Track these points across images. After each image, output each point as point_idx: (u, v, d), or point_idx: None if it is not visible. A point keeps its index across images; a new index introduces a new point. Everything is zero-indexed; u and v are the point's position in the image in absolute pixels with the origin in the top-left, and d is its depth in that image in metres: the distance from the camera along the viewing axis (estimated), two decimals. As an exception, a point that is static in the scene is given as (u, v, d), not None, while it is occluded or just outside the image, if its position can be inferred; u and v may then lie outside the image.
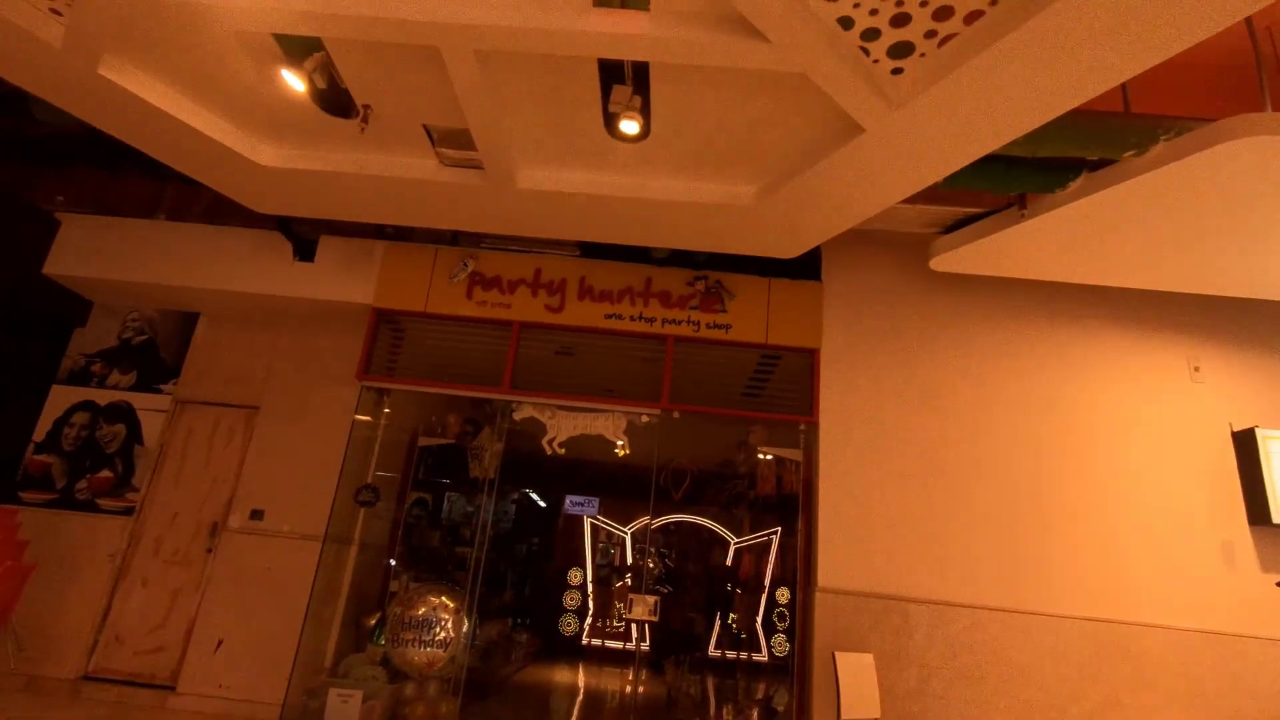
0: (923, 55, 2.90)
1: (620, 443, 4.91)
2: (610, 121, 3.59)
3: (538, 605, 11.17)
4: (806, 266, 5.28)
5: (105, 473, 5.30)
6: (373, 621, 4.98)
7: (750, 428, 5.38)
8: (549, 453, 4.84)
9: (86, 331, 5.74)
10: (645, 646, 6.77)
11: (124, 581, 5.09)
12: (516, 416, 5.00)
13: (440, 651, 4.45)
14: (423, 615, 4.54)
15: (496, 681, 6.78)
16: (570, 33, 2.95)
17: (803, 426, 5.09)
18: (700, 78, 3.25)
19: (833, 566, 4.64)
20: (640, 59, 3.11)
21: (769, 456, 5.60)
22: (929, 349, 5.12)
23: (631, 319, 5.07)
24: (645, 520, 5.76)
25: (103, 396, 5.53)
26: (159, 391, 5.54)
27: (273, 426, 5.41)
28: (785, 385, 5.18)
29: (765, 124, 3.53)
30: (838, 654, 4.10)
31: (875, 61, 2.96)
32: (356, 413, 5.15)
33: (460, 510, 6.59)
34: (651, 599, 4.42)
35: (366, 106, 3.78)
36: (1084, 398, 5.03)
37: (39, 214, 5.33)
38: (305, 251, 5.30)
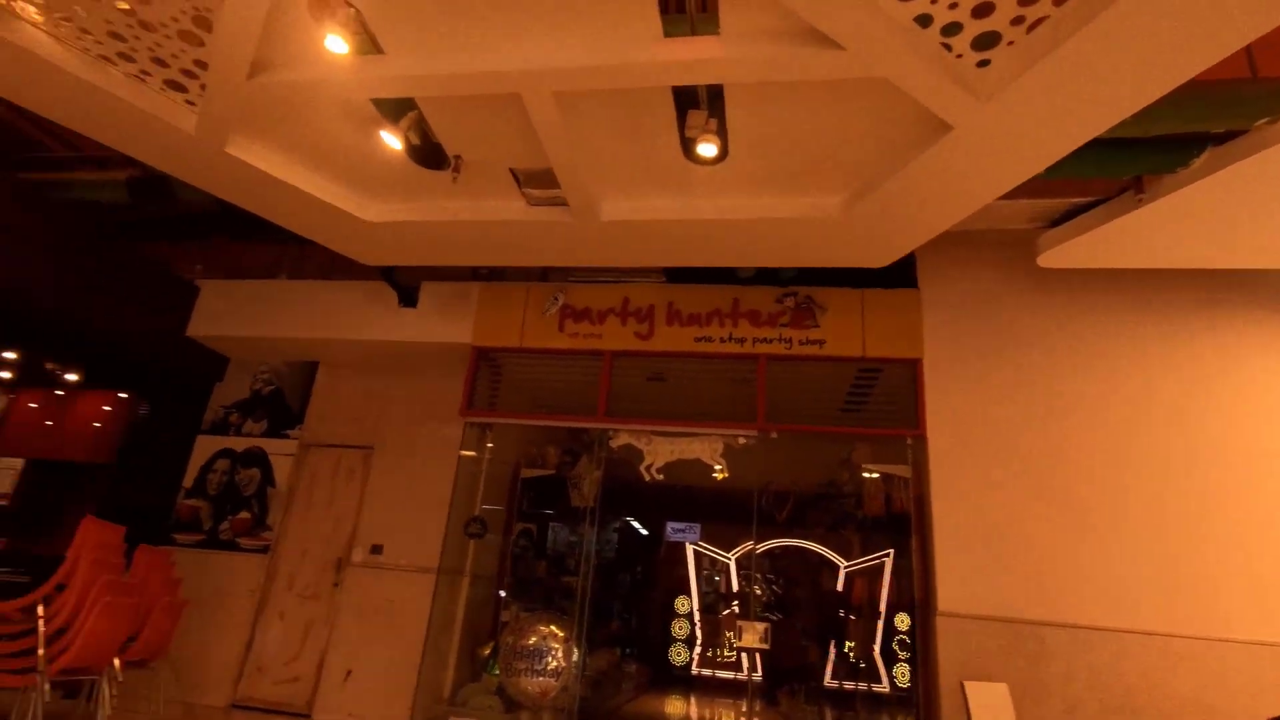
0: (1010, 44, 2.76)
1: (718, 466, 4.85)
2: (688, 146, 3.63)
3: (646, 634, 11.11)
4: (900, 274, 5.08)
5: (244, 514, 5.77)
6: (487, 651, 5.10)
7: (853, 445, 5.19)
8: (647, 479, 4.85)
9: (224, 385, 6.32)
10: (757, 676, 6.57)
11: (263, 615, 5.49)
12: (613, 444, 5.05)
13: (552, 681, 4.50)
14: (534, 645, 4.61)
15: (608, 712, 6.77)
16: (643, 65, 3.01)
17: (909, 441, 4.85)
18: (775, 93, 3.23)
19: (954, 589, 4.36)
20: (713, 82, 3.14)
21: (875, 474, 5.37)
22: (1043, 351, 4.78)
23: (721, 340, 5.04)
24: (749, 545, 5.64)
25: (239, 444, 6.04)
26: (287, 437, 6.00)
27: (387, 464, 5.72)
28: (887, 399, 4.97)
29: (846, 132, 3.46)
30: (967, 684, 3.82)
31: (959, 56, 2.84)
32: (461, 448, 5.36)
33: (564, 540, 6.69)
34: (761, 626, 4.30)
35: (457, 157, 4.00)
36: (1233, 394, 4.52)
37: (183, 283, 5.95)
38: (409, 298, 5.62)
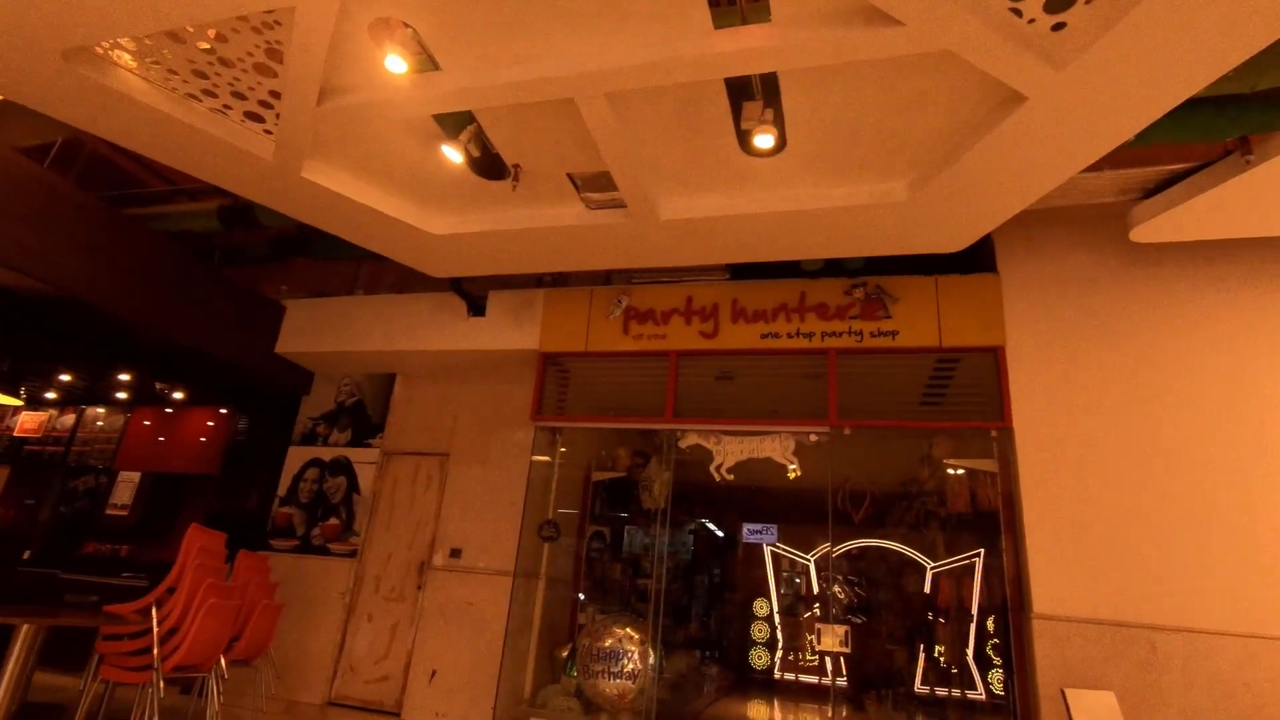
0: (1088, 2, 2.56)
1: (791, 465, 4.73)
2: (744, 139, 3.56)
3: (725, 637, 10.99)
4: (977, 258, 4.83)
5: (333, 520, 6.05)
6: (564, 653, 5.15)
7: (932, 439, 4.96)
8: (718, 479, 4.79)
9: (311, 398, 6.66)
10: (841, 681, 6.36)
11: (353, 617, 5.74)
12: (682, 445, 5.01)
13: (629, 683, 4.49)
14: (609, 647, 4.62)
15: (688, 715, 6.72)
16: (694, 59, 2.97)
17: (994, 434, 4.59)
18: (832, 77, 3.13)
19: (1050, 590, 4.09)
20: (767, 71, 3.06)
21: (959, 470, 5.11)
22: (1137, 333, 4.43)
23: (789, 336, 4.92)
24: (826, 546, 5.48)
25: (326, 453, 6.35)
26: (369, 445, 6.26)
27: (462, 470, 5.88)
28: (968, 390, 4.72)
29: (910, 112, 3.31)
30: (1068, 691, 3.57)
31: (1030, 21, 2.67)
32: (533, 453, 5.45)
33: (638, 542, 6.70)
34: (841, 629, 4.16)
35: (516, 166, 4.07)
36: (1369, 372, 4.06)
37: (270, 303, 6.31)
38: (477, 307, 5.77)
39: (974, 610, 6.00)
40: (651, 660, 4.57)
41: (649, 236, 4.41)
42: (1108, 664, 3.84)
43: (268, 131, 3.90)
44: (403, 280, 6.34)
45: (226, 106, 3.76)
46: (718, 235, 4.33)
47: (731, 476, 4.79)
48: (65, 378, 7.33)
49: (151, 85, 3.63)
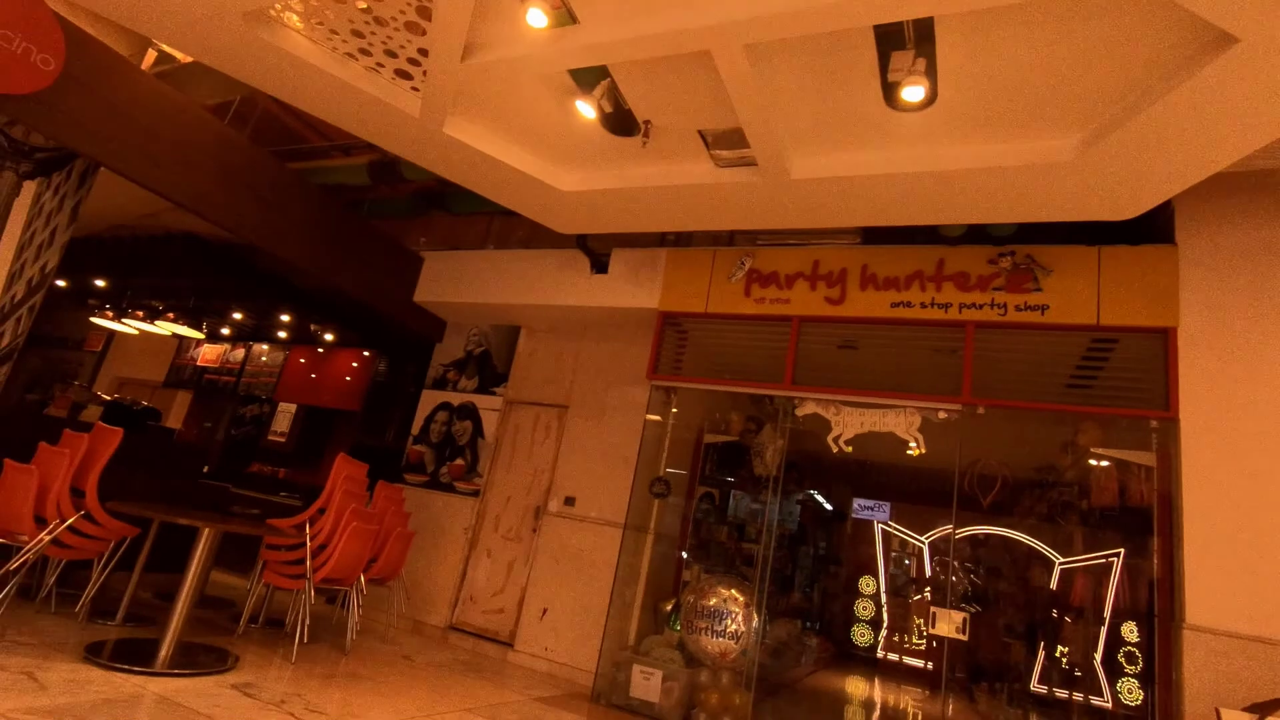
0: (1336, -80, 2.15)
1: (914, 442, 4.51)
2: (890, 92, 3.33)
3: (827, 611, 10.86)
4: (1149, 227, 4.31)
5: (459, 461, 6.46)
6: (669, 607, 5.27)
7: (1079, 425, 4.55)
8: (835, 451, 4.66)
9: (443, 345, 7.08)
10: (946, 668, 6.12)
11: (474, 551, 6.15)
12: (799, 413, 4.90)
13: (732, 643, 4.54)
14: (714, 606, 4.68)
15: (787, 682, 6.73)
16: (843, 4, 2.79)
17: (1155, 424, 4.14)
18: (999, 21, 2.84)
19: (1208, 599, 3.69)
20: (924, 15, 2.82)
21: (1106, 461, 4.68)
22: (1357, 320, 3.81)
23: (922, 306, 4.64)
24: (947, 529, 5.22)
25: (455, 398, 6.75)
26: (493, 394, 6.59)
27: (578, 423, 6.07)
28: (1126, 374, 4.27)
29: (1087, 59, 2.95)
30: (1224, 712, 3.23)
31: (1254, -54, 2.28)
32: (647, 411, 5.52)
33: (745, 507, 6.68)
34: (959, 615, 3.98)
35: (647, 122, 4.04)
36: None
37: (411, 255, 6.72)
38: (600, 265, 5.85)
39: (1107, 612, 5.55)
40: (755, 623, 4.58)
41: (778, 196, 4.27)
42: (1276, 688, 3.43)
43: (415, 89, 4.09)
44: (530, 236, 6.55)
45: (379, 65, 3.97)
46: (852, 197, 4.11)
47: (850, 449, 4.64)
48: (237, 316, 8.22)
49: (315, 45, 3.88)
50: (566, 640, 5.41)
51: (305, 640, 4.69)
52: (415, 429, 6.85)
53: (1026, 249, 4.46)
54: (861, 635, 11.08)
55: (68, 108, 4.01)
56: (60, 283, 8.03)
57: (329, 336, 8.43)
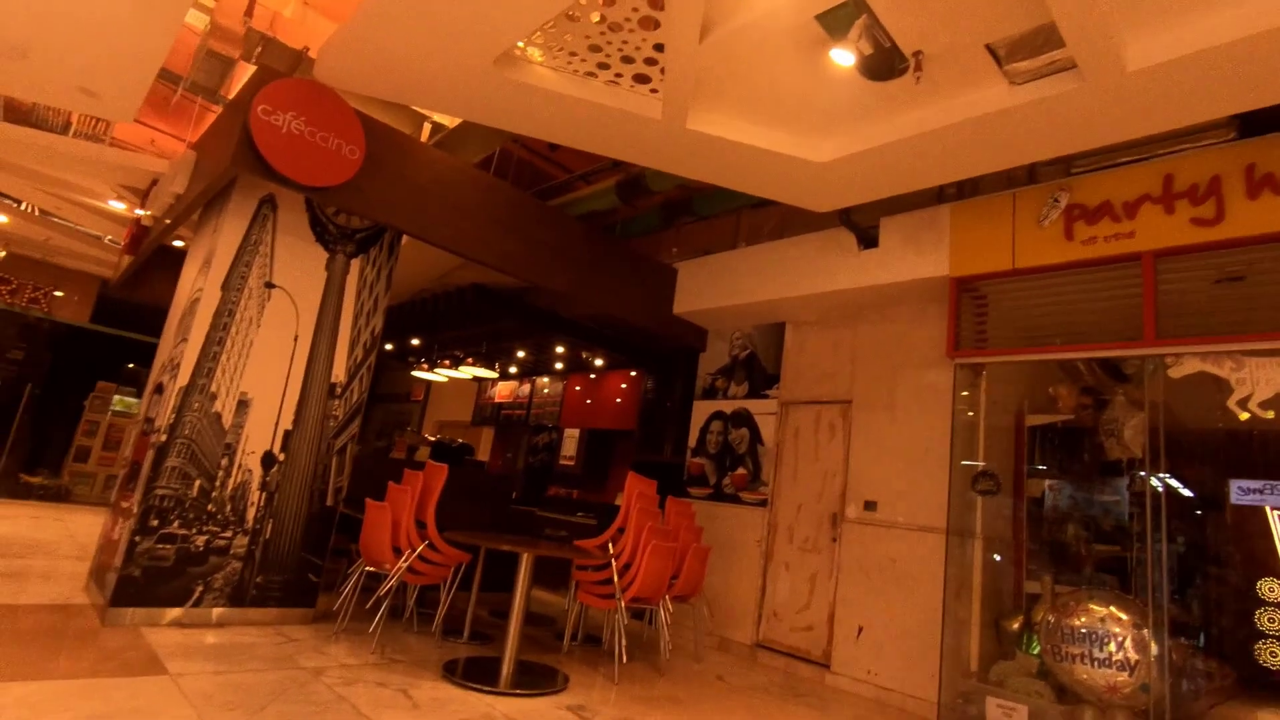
0: None
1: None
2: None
3: (1214, 625, 8.60)
4: None
5: (740, 470, 6.21)
6: (1015, 625, 4.39)
7: None
8: (1243, 417, 3.46)
9: (707, 355, 6.94)
10: None
11: (770, 564, 5.81)
12: (1174, 374, 3.76)
13: (1123, 675, 3.57)
14: (1085, 626, 3.74)
15: (1182, 718, 5.27)
16: None
17: None
18: None
19: None
20: None
21: None
22: None
23: (1365, 202, 3.27)
24: None
25: (727, 406, 6.55)
26: (766, 397, 6.25)
27: (867, 418, 5.45)
28: None
29: None
30: None
31: None
32: (956, 393, 4.72)
33: (1094, 500, 5.44)
34: None
35: (918, 53, 3.40)
36: None
37: (665, 269, 6.71)
38: (868, 239, 5.22)
39: None
40: (1154, 650, 3.55)
41: (1106, 100, 3.31)
42: None
43: (654, 90, 3.96)
44: (781, 225, 6.13)
45: (618, 75, 3.90)
46: (1220, 74, 3.02)
47: (1270, 414, 3.41)
48: (521, 354, 9.01)
49: (557, 72, 3.93)
50: (891, 663, 4.79)
51: (624, 660, 4.73)
52: (692, 441, 6.77)
53: None
54: (1272, 654, 8.57)
55: (372, 189, 4.58)
56: (387, 346, 9.56)
57: (599, 361, 8.85)
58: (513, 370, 10.22)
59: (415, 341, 9.02)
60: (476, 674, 3.91)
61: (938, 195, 4.97)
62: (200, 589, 4.16)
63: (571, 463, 9.15)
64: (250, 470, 4.41)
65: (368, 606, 4.97)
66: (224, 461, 4.31)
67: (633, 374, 8.72)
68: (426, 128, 5.62)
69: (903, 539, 4.98)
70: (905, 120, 3.88)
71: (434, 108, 4.33)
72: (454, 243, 5.02)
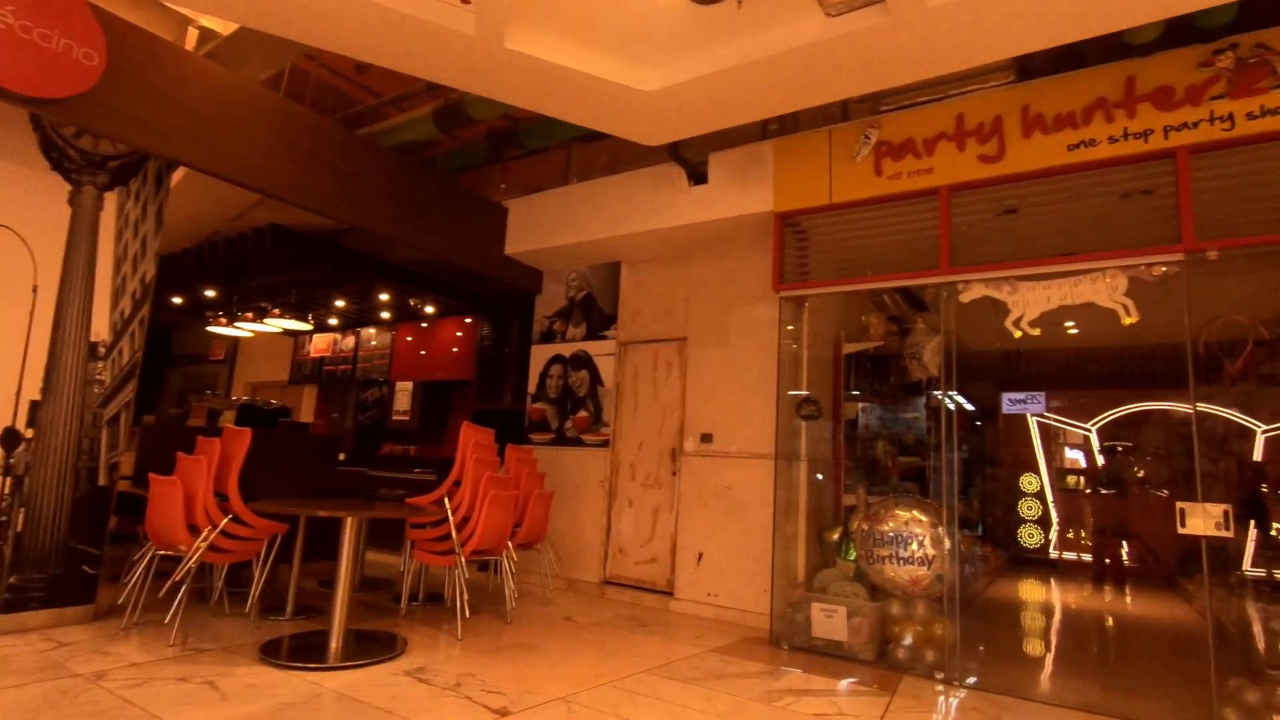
0: None
1: (1122, 309, 3.69)
2: None
3: (988, 515, 10.11)
4: None
5: (582, 413, 6.16)
6: (835, 536, 4.79)
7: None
8: (1017, 335, 3.91)
9: (543, 297, 6.73)
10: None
11: (615, 503, 5.88)
12: (964, 299, 4.16)
13: (923, 569, 4.01)
14: (892, 530, 4.14)
15: (966, 597, 6.16)
16: None
17: None
18: None
19: None
20: None
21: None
22: None
23: (1110, 141, 3.73)
24: (1118, 413, 4.40)
25: (565, 349, 6.42)
26: (604, 338, 6.19)
27: (701, 354, 5.58)
28: None
29: None
30: None
31: None
32: (781, 326, 4.92)
33: (897, 418, 6.03)
34: (1218, 509, 3.23)
35: (739, -24, 3.33)
36: None
37: (494, 206, 6.33)
38: (697, 175, 5.22)
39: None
40: (947, 545, 4.01)
41: (910, 37, 3.46)
42: None
43: (465, 1, 3.56)
44: (613, 161, 5.97)
45: (423, -21, 3.45)
46: (1012, 12, 3.25)
47: (1037, 331, 3.88)
48: (340, 303, 8.22)
49: (351, -28, 3.40)
50: (729, 583, 5.06)
51: (467, 615, 4.58)
52: (531, 387, 6.59)
53: (1254, 36, 3.44)
54: (1030, 536, 10.26)
55: (121, 105, 3.77)
56: (175, 299, 8.29)
57: (429, 309, 8.31)
58: (332, 322, 9.34)
59: (210, 293, 7.90)
60: (302, 652, 3.57)
61: (762, 131, 5.05)
62: (-74, 601, 3.39)
63: (406, 418, 8.63)
64: (-15, 453, 3.61)
65: (162, 594, 4.37)
66: (-56, 444, 3.49)
67: (467, 321, 8.29)
68: (193, 34, 4.72)
69: (737, 467, 5.21)
70: (729, 51, 3.82)
71: (200, 5, 3.59)
72: (238, 174, 4.32)
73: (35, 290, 3.81)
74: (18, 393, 3.73)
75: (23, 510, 3.72)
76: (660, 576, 5.48)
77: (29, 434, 3.76)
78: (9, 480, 3.68)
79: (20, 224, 3.77)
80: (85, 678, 3.06)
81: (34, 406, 3.78)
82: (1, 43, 3.27)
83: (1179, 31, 3.60)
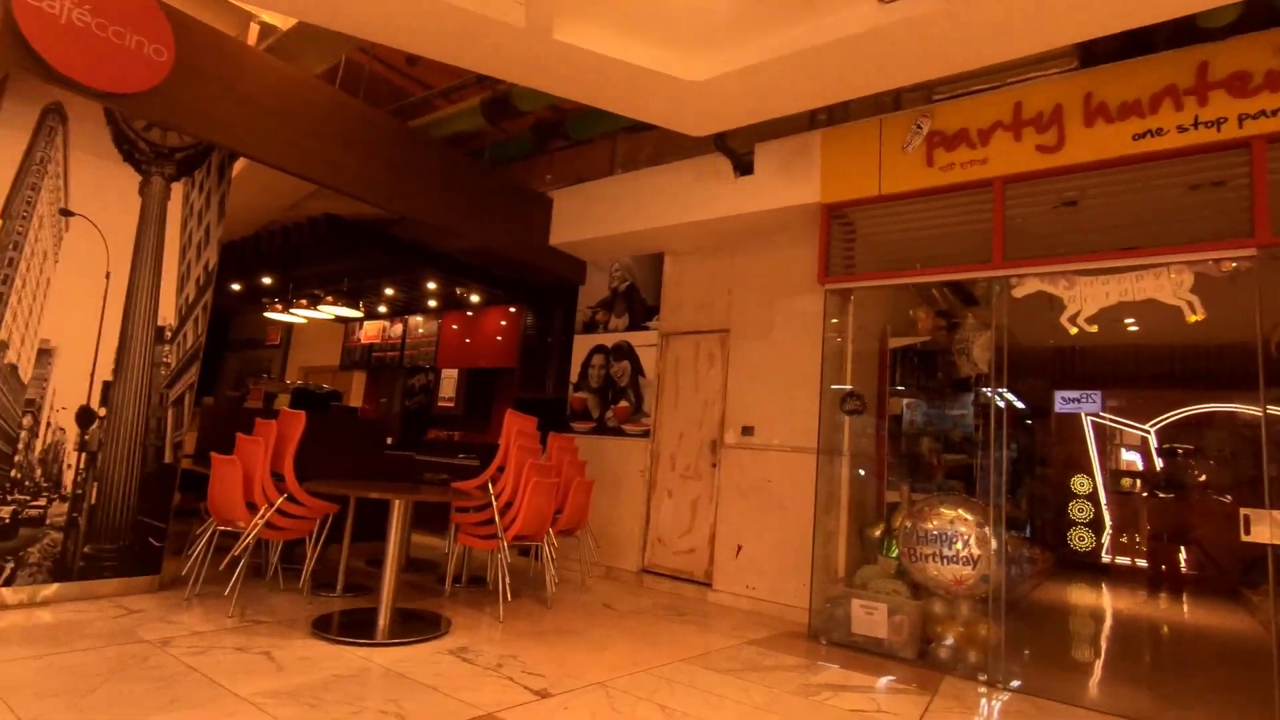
0: None
1: (1187, 306, 3.54)
2: None
3: (1037, 517, 9.82)
4: None
5: (623, 403, 6.20)
6: (877, 532, 4.73)
7: None
8: (1073, 332, 3.79)
9: (586, 287, 6.77)
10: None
11: (654, 493, 5.91)
12: (1017, 294, 4.04)
13: (967, 569, 3.93)
14: (936, 529, 4.07)
15: (1013, 600, 6.02)
16: None
17: None
18: None
19: None
20: None
21: None
22: None
23: (1179, 130, 3.57)
24: (1258, 412, 4.20)
25: (608, 339, 6.46)
26: (646, 329, 6.21)
27: (744, 346, 5.55)
28: None
29: None
30: None
31: None
32: (825, 319, 4.87)
33: (942, 415, 5.91)
34: (1287, 516, 3.08)
35: (790, -36, 3.28)
36: None
37: (540, 198, 6.39)
38: (743, 165, 5.18)
39: None
40: (993, 545, 3.93)
41: (967, 22, 3.36)
42: None
43: (516, -7, 3.60)
44: (658, 152, 5.97)
45: (475, -28, 3.50)
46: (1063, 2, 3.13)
47: (1095, 328, 3.75)
48: (389, 291, 8.42)
49: (405, -34, 3.47)
50: (768, 577, 5.05)
51: (509, 598, 4.68)
52: (573, 376, 6.66)
53: (1342, 18, 3.24)
54: (1080, 539, 9.94)
55: (188, 98, 3.93)
56: (234, 286, 8.62)
57: (475, 298, 8.45)
58: (381, 310, 9.57)
59: (267, 280, 8.18)
60: (351, 628, 3.71)
61: (809, 121, 4.98)
62: (11, 566, 3.63)
63: (451, 404, 8.81)
64: (63, 429, 3.83)
65: (222, 568, 4.58)
66: (26, 420, 3.71)
67: (512, 310, 8.41)
68: (254, 29, 4.88)
69: (778, 460, 5.18)
70: (779, 39, 3.78)
71: (261, 0, 3.72)
72: (297, 165, 4.46)
73: (108, 276, 4.02)
74: (92, 373, 3.94)
75: (96, 484, 3.94)
76: (698, 567, 5.50)
77: (102, 412, 3.97)
78: (84, 456, 3.90)
79: (95, 213, 3.97)
80: (152, 643, 3.24)
81: (106, 387, 3.99)
82: (79, 40, 3.44)
83: (1258, 13, 3.42)
